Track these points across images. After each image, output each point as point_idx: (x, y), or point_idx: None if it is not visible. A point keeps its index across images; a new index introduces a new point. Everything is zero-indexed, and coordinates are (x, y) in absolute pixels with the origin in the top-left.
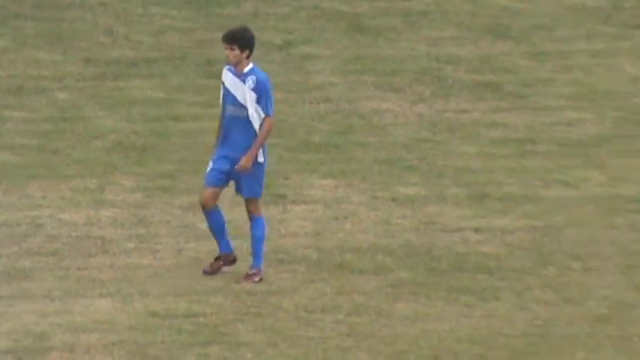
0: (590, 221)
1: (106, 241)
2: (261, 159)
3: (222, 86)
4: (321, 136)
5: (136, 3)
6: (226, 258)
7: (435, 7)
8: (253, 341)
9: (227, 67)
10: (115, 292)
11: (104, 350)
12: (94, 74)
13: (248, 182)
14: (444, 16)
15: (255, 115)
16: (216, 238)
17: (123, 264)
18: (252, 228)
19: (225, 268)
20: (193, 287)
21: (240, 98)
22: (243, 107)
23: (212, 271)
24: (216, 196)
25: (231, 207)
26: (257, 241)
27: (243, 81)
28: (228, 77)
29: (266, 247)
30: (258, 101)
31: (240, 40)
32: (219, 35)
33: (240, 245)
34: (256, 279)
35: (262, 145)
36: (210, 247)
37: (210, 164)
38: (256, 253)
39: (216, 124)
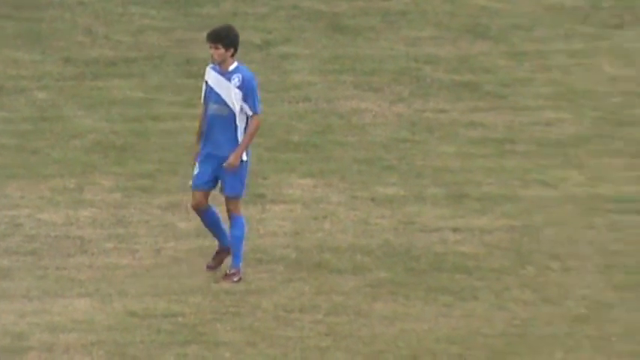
0: (569, 221)
1: (85, 240)
2: (245, 157)
3: (204, 85)
4: (299, 136)
5: (115, 2)
6: (228, 251)
7: (413, 7)
8: (232, 341)
9: (210, 65)
10: (93, 292)
11: (83, 350)
12: (73, 74)
13: (231, 180)
14: (422, 16)
15: (240, 113)
16: (214, 234)
17: (102, 264)
18: (231, 227)
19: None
20: (172, 287)
21: (224, 96)
22: (227, 105)
23: (215, 265)
24: (206, 198)
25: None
26: (236, 241)
27: (229, 79)
28: (211, 75)
29: (245, 246)
30: (245, 99)
31: (225, 39)
32: (199, 35)
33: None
34: (235, 279)
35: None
36: (188, 247)
37: (197, 167)
38: (235, 253)
39: (196, 124)
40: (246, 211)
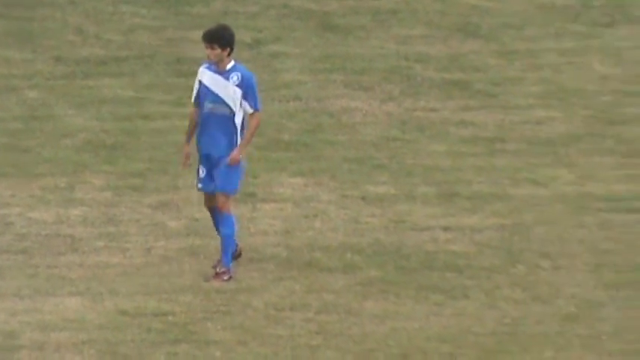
0: (559, 220)
1: (76, 239)
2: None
3: (198, 84)
4: (290, 135)
5: (105, 1)
6: (240, 252)
7: (404, 6)
8: (222, 340)
9: (205, 65)
10: (84, 291)
11: (74, 349)
12: (63, 73)
13: (225, 176)
14: (413, 15)
15: (240, 111)
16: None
17: (92, 262)
18: (221, 226)
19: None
20: (163, 286)
21: (222, 95)
22: (225, 104)
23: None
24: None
25: (200, 206)
26: (226, 239)
27: (227, 78)
28: (206, 75)
29: (235, 245)
30: (245, 97)
31: (221, 39)
32: (189, 34)
33: (208, 244)
34: (225, 277)
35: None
36: (179, 246)
37: (201, 170)
38: (225, 252)
39: (186, 123)
40: (237, 210)
